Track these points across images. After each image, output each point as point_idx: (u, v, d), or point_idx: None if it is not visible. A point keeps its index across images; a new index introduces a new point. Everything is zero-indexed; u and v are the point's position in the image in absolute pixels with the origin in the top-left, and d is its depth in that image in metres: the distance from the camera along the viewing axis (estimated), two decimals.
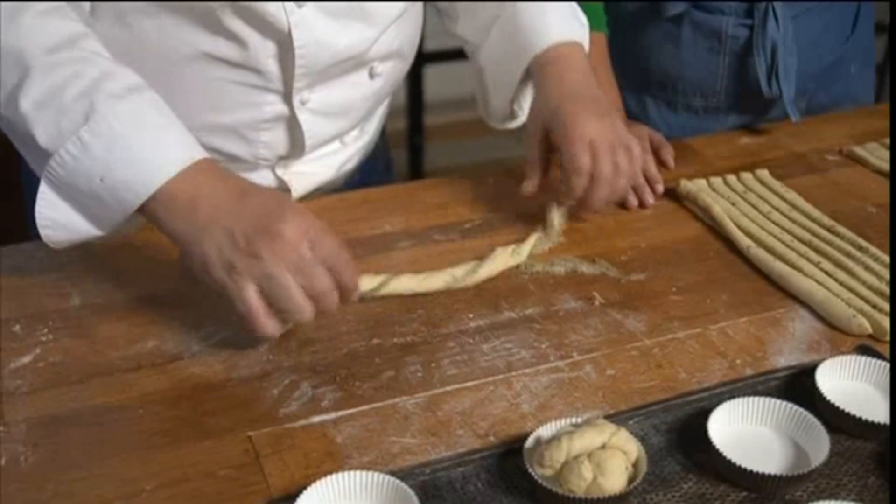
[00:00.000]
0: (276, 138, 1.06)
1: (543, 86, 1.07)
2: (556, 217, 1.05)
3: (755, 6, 1.27)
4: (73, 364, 0.86)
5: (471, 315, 0.94)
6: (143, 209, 0.85)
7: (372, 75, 1.09)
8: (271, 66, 1.00)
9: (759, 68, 1.28)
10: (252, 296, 0.79)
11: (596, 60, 1.27)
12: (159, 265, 1.00)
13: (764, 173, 1.18)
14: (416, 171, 2.89)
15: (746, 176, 1.18)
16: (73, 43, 0.87)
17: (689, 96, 1.35)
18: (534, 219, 1.08)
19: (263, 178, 1.10)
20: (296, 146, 1.08)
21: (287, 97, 1.03)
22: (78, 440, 0.78)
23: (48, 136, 0.84)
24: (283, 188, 1.12)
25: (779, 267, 0.99)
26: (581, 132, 1.00)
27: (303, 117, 1.05)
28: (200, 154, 0.86)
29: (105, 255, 1.02)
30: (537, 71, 1.09)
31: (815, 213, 1.10)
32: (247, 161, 1.08)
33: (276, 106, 1.03)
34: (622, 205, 1.13)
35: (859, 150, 1.26)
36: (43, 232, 0.88)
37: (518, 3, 1.12)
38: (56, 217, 0.87)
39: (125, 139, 0.83)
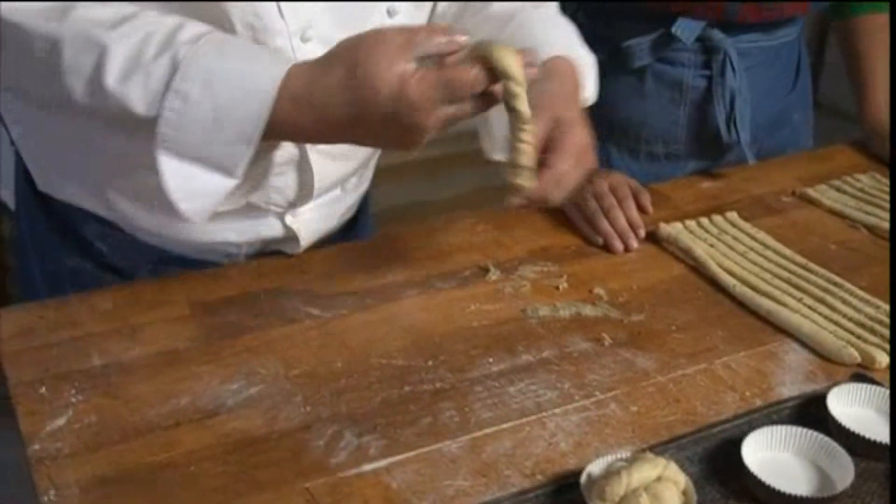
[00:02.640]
0: (287, 183, 1.09)
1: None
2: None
3: (713, 58, 1.36)
4: (110, 424, 0.87)
5: (490, 360, 0.98)
6: (268, 128, 0.84)
7: None
8: None
9: (719, 116, 1.36)
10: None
11: None
12: (174, 322, 1.01)
13: (733, 216, 1.26)
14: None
15: (718, 219, 1.25)
16: (134, 14, 0.87)
17: (651, 144, 1.43)
18: (522, 262, 1.14)
19: (272, 227, 1.12)
20: (305, 190, 1.10)
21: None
22: (135, 501, 0.78)
23: (145, 103, 0.83)
24: (292, 237, 1.14)
25: (766, 303, 1.06)
26: (550, 108, 0.96)
27: (313, 158, 1.07)
28: (288, 64, 0.86)
29: (117, 313, 1.02)
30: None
31: (787, 252, 1.18)
32: (258, 207, 1.09)
33: (289, 149, 1.06)
34: (608, 248, 1.19)
35: (811, 192, 1.35)
36: (182, 206, 0.87)
37: (524, 17, 1.12)
38: (188, 185, 0.86)
39: (218, 70, 0.83)
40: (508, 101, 0.87)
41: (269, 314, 1.03)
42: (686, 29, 1.33)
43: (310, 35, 0.97)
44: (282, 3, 0.94)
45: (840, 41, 1.55)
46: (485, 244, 1.20)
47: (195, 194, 0.87)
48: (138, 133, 0.87)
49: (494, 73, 0.85)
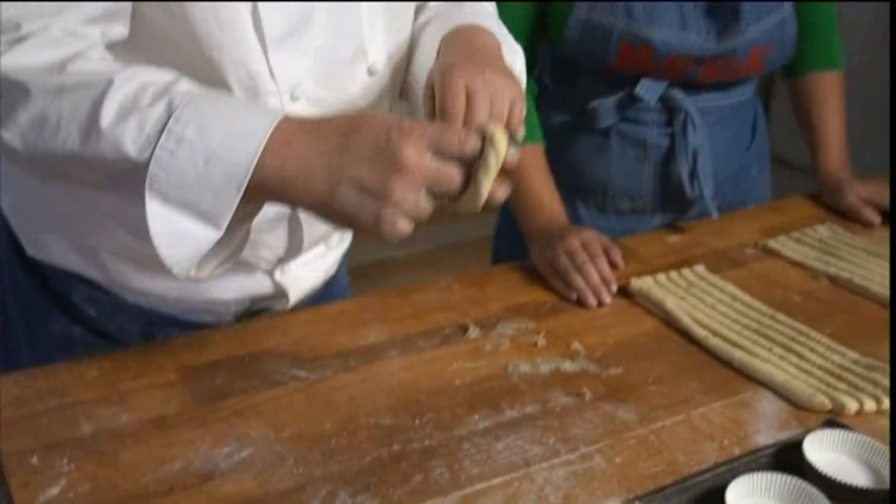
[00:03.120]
0: (277, 239, 1.11)
1: (441, 52, 1.02)
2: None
3: (675, 117, 1.41)
4: (105, 492, 0.87)
5: (476, 416, 1.00)
6: (256, 174, 0.84)
7: None
8: None
9: (682, 172, 1.42)
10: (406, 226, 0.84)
11: (535, 168, 1.39)
12: (161, 387, 1.02)
13: (701, 269, 1.31)
14: None
15: (686, 272, 1.30)
16: (131, 68, 0.88)
17: (618, 200, 1.48)
18: (500, 319, 1.17)
19: (262, 284, 1.15)
20: (294, 245, 1.13)
21: None
22: None
23: (137, 145, 0.84)
24: (281, 294, 1.16)
25: (738, 354, 1.10)
26: (456, 77, 0.93)
27: (303, 214, 1.09)
28: (282, 113, 0.88)
29: (105, 380, 1.03)
30: (441, 47, 1.03)
31: (755, 303, 1.22)
32: (248, 263, 1.12)
33: (280, 206, 1.08)
34: (582, 304, 1.22)
35: (772, 244, 1.40)
36: (164, 253, 0.86)
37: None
38: (172, 230, 0.86)
39: (213, 115, 0.84)
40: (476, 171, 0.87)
41: (255, 377, 1.05)
42: (649, 90, 1.38)
43: (298, 94, 1.01)
44: (272, 65, 0.98)
45: (792, 97, 1.61)
46: (462, 303, 1.23)
47: (179, 241, 0.87)
48: (126, 183, 0.88)
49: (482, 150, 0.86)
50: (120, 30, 0.93)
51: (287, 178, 0.86)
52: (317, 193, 0.85)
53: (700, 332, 1.15)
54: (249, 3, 0.96)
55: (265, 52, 0.97)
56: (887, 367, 1.07)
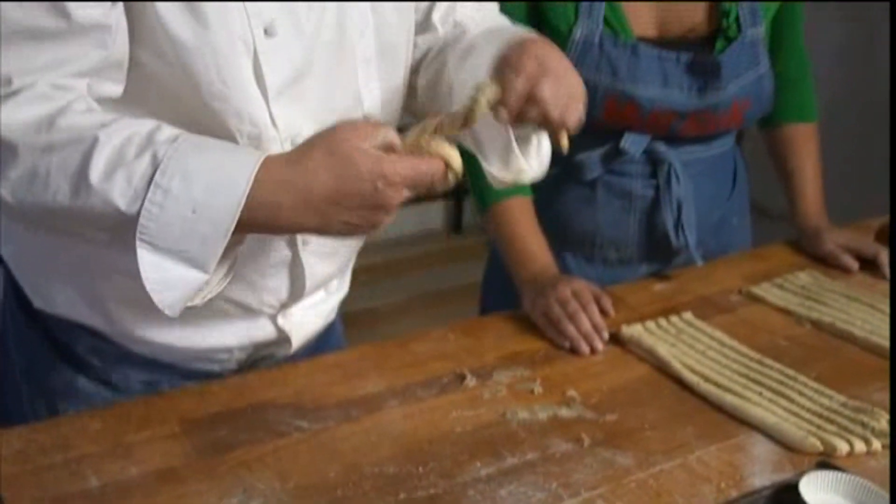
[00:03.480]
0: (280, 283, 1.14)
1: (500, 61, 1.04)
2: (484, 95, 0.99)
3: (658, 169, 1.45)
4: None
5: (478, 464, 1.02)
6: (243, 217, 0.89)
7: None
8: None
9: (667, 222, 1.46)
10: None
11: (524, 220, 1.42)
12: (166, 440, 1.04)
13: (689, 316, 1.34)
14: None
15: (675, 319, 1.33)
16: (114, 119, 0.91)
17: (605, 250, 1.52)
18: (496, 367, 1.19)
19: (265, 329, 1.18)
20: (296, 289, 1.16)
21: (291, 241, 1.11)
22: None
23: (126, 199, 0.88)
24: (283, 339, 1.19)
25: (729, 399, 1.13)
26: (530, 48, 1.01)
27: (305, 258, 1.13)
28: (263, 154, 0.92)
29: (109, 432, 1.04)
30: (498, 59, 1.04)
31: (743, 348, 1.26)
32: (251, 309, 1.15)
33: (282, 250, 1.12)
34: (575, 351, 1.25)
35: (756, 290, 1.44)
36: (156, 298, 0.91)
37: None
38: (162, 278, 0.90)
39: (197, 166, 0.89)
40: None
41: (259, 429, 1.06)
42: (634, 143, 1.43)
43: (298, 141, 1.04)
44: (274, 115, 1.01)
45: (769, 147, 1.66)
46: (458, 352, 1.25)
47: (170, 286, 0.91)
48: (117, 234, 0.91)
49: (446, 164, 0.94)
50: (111, 86, 0.97)
51: (275, 221, 0.91)
52: (307, 230, 0.94)
53: (692, 378, 1.18)
54: (251, 55, 0.99)
55: (267, 102, 1.01)
56: (874, 409, 1.11)
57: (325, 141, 0.92)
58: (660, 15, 1.41)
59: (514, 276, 1.40)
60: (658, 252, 1.51)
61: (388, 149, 0.93)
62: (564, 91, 1.00)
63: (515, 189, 1.42)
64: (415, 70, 1.20)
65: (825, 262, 1.56)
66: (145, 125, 0.92)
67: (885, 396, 1.17)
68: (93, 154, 0.88)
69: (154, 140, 0.90)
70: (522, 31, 1.10)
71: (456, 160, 0.93)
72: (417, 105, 1.22)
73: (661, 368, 1.22)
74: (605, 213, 1.49)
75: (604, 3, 1.38)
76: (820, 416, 1.10)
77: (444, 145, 0.95)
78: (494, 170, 1.09)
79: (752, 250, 1.64)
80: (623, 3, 1.39)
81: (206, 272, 0.91)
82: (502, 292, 1.58)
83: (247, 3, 0.98)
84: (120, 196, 0.88)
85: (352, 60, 1.08)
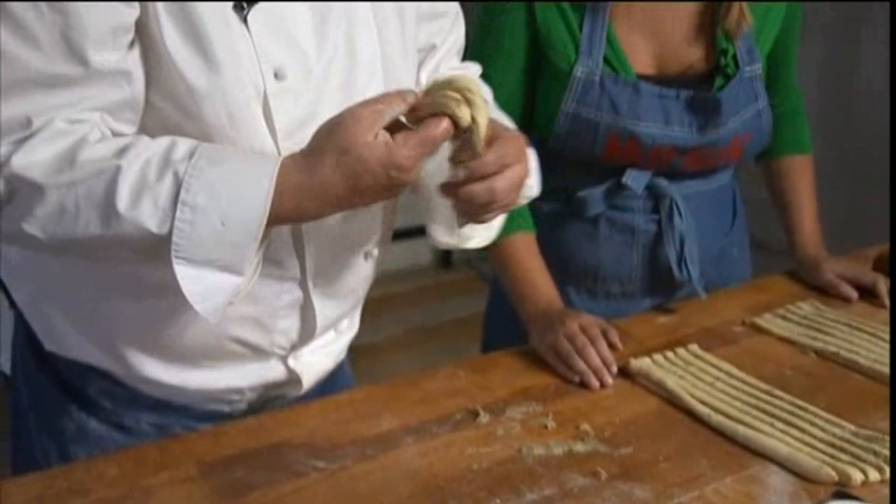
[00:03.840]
0: (291, 324, 1.15)
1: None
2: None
3: (661, 203, 1.47)
4: None
5: (498, 501, 1.02)
6: (274, 211, 0.94)
7: (367, 257, 1.19)
8: (288, 255, 1.09)
9: (670, 256, 1.47)
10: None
11: (529, 256, 1.43)
12: (183, 483, 1.03)
13: (695, 348, 1.35)
14: None
15: (681, 351, 1.34)
16: (130, 144, 0.95)
17: (608, 284, 1.53)
18: (508, 403, 1.20)
19: (276, 370, 1.18)
20: (307, 330, 1.17)
21: (303, 283, 1.12)
22: None
23: (156, 220, 0.92)
24: (294, 380, 1.20)
25: (742, 430, 1.14)
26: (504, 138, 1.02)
27: (316, 300, 1.14)
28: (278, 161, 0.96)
29: (125, 477, 1.04)
30: None
31: (751, 380, 1.27)
32: (263, 350, 1.15)
33: (294, 293, 1.13)
34: (585, 385, 1.26)
35: (759, 321, 1.46)
36: (199, 308, 0.95)
37: None
38: (202, 288, 0.94)
39: (217, 178, 0.92)
40: (467, 136, 0.98)
41: (276, 469, 1.06)
42: (636, 179, 1.44)
43: None
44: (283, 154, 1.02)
45: (766, 180, 1.69)
46: (468, 388, 1.26)
47: (211, 294, 0.96)
48: (152, 254, 0.94)
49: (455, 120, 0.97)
50: (124, 127, 0.99)
51: (303, 211, 0.97)
52: (331, 214, 1.00)
53: (703, 410, 1.19)
54: (261, 98, 1.00)
55: (276, 144, 1.03)
56: (885, 437, 1.12)
57: (333, 141, 0.95)
58: (658, 53, 1.44)
59: (521, 312, 1.41)
60: (661, 285, 1.53)
61: (395, 126, 0.96)
62: (514, 184, 1.03)
63: (519, 225, 1.43)
64: None
65: (825, 292, 1.58)
66: (160, 144, 0.95)
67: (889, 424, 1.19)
68: (117, 183, 0.92)
69: (171, 160, 0.93)
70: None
71: (464, 118, 0.96)
72: None
73: (672, 401, 1.23)
74: (607, 248, 1.51)
75: (604, 43, 1.40)
76: (832, 445, 1.11)
77: (451, 102, 0.97)
78: (438, 233, 1.15)
79: (753, 282, 1.66)
80: (622, 42, 1.42)
81: (241, 274, 0.96)
82: (505, 327, 1.59)
83: (257, 48, 0.99)
84: (149, 219, 0.92)
85: (358, 100, 1.10)
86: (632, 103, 1.40)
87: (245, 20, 0.99)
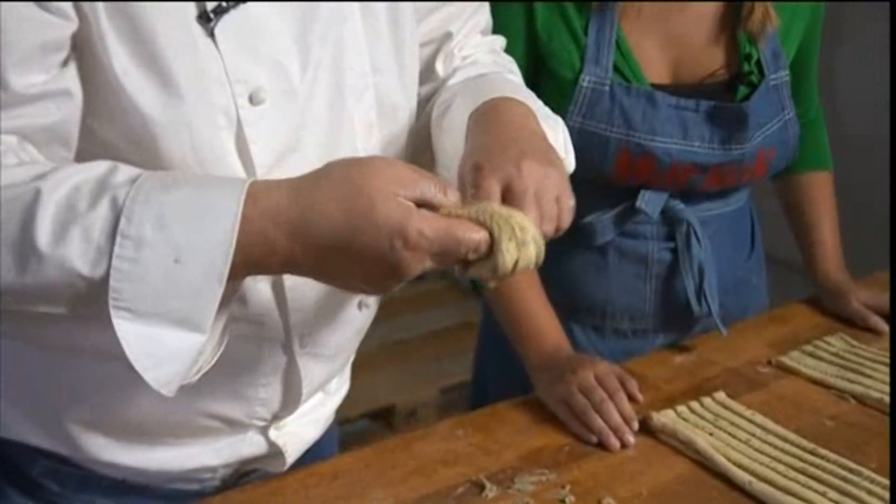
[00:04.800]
0: (273, 393, 0.98)
1: (471, 133, 0.90)
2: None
3: (676, 229, 1.32)
4: None
5: None
6: (237, 256, 0.73)
7: (361, 307, 1.02)
8: (268, 312, 0.92)
9: (688, 288, 1.32)
10: None
11: (530, 291, 1.27)
12: None
13: (722, 396, 1.20)
14: None
15: (708, 402, 1.19)
16: (54, 168, 0.75)
17: (617, 320, 1.37)
18: (516, 471, 1.04)
19: (255, 444, 1.02)
20: (291, 398, 1.00)
21: (287, 345, 0.95)
22: None
23: (88, 260, 0.71)
24: (276, 453, 1.03)
25: (790, 502, 0.99)
26: (488, 176, 0.81)
27: (302, 363, 0.97)
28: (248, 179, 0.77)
29: None
30: (471, 125, 0.90)
31: (792, 436, 1.12)
32: (240, 423, 0.98)
33: (277, 357, 0.95)
34: (602, 446, 1.10)
35: (787, 361, 1.31)
36: (148, 377, 0.73)
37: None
38: (151, 350, 0.73)
39: (168, 204, 0.72)
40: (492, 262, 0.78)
41: None
42: (651, 202, 1.29)
43: None
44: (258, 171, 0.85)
45: (782, 198, 1.54)
46: (470, 453, 1.09)
47: (162, 359, 0.74)
48: (85, 306, 0.75)
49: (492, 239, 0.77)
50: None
51: (268, 261, 0.75)
52: (304, 274, 0.78)
53: (743, 477, 1.03)
54: (233, 129, 0.83)
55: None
56: None
57: (344, 175, 0.75)
58: (674, 60, 1.29)
59: (524, 358, 1.25)
60: (676, 321, 1.37)
61: (426, 206, 0.76)
62: (549, 202, 0.82)
63: None
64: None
65: (851, 323, 1.43)
66: (95, 168, 0.75)
67: None
68: (36, 213, 0.71)
69: (109, 184, 0.73)
70: (493, 97, 0.92)
71: (508, 254, 0.76)
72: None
73: (703, 463, 1.07)
74: (617, 280, 1.35)
75: (613, 48, 1.24)
76: None
77: (500, 226, 0.77)
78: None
79: (772, 311, 1.50)
80: (633, 47, 1.26)
81: (202, 332, 0.74)
82: (500, 365, 1.44)
83: (228, 68, 0.82)
84: (79, 258, 0.72)
85: (350, 128, 0.93)
86: (647, 116, 1.24)
87: (212, 34, 0.81)
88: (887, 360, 1.30)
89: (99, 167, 0.76)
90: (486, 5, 1.10)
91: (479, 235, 0.76)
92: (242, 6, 0.82)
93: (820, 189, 1.50)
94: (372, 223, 0.73)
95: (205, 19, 0.81)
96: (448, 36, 1.06)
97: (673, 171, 1.27)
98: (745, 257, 1.46)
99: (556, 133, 0.93)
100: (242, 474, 1.06)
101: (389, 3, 0.95)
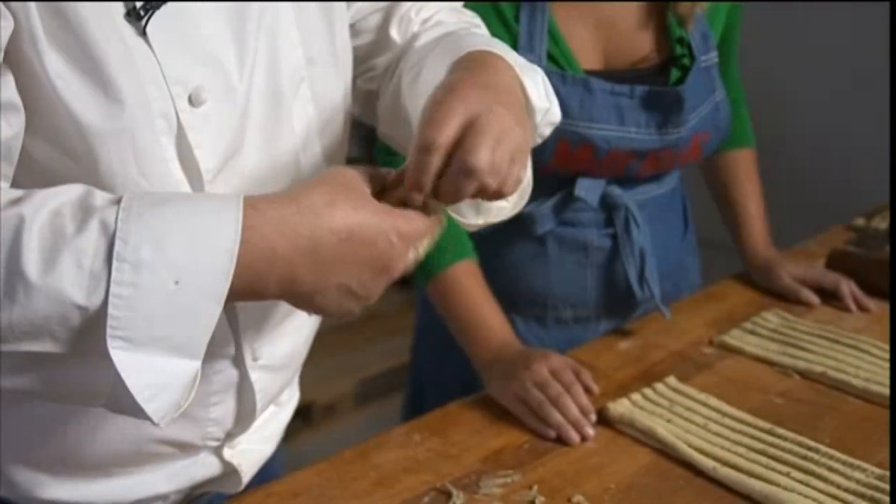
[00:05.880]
0: (226, 411, 0.93)
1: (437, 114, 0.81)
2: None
3: (615, 215, 1.30)
4: None
5: None
6: (236, 279, 0.69)
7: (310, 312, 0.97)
8: (219, 325, 0.86)
9: (630, 273, 1.31)
10: None
11: (473, 286, 1.25)
12: None
13: (673, 381, 1.20)
14: None
15: (660, 387, 1.18)
16: (27, 193, 0.69)
17: (559, 310, 1.36)
18: (480, 475, 1.01)
19: (209, 466, 0.96)
20: (245, 415, 0.95)
21: (238, 359, 0.90)
22: None
23: (83, 287, 0.66)
24: (231, 472, 0.98)
25: (758, 486, 0.99)
26: (454, 100, 0.76)
27: (255, 377, 0.92)
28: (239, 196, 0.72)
29: None
30: (446, 76, 0.83)
31: (747, 417, 1.12)
32: (192, 445, 0.92)
33: (227, 372, 0.90)
34: (562, 440, 1.08)
35: (729, 340, 1.32)
36: (150, 409, 0.68)
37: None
38: (150, 380, 0.68)
39: (165, 224, 0.68)
40: None
41: None
42: (589, 190, 1.27)
43: None
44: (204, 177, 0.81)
45: (708, 177, 1.55)
46: (430, 459, 1.06)
47: (162, 388, 0.69)
48: (76, 340, 0.69)
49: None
50: None
51: (266, 280, 0.72)
52: (298, 293, 0.74)
53: (707, 463, 1.03)
54: (173, 134, 0.78)
55: (203, 187, 0.80)
56: None
57: (335, 178, 0.75)
58: (604, 45, 1.27)
59: (472, 356, 1.22)
60: (617, 307, 1.36)
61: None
62: (503, 155, 0.76)
63: (459, 253, 1.24)
64: (376, 95, 1.00)
65: (782, 297, 1.45)
66: (70, 191, 0.70)
67: None
68: (21, 240, 0.65)
69: (91, 206, 0.68)
70: (470, 50, 0.86)
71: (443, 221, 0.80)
72: (382, 133, 1.02)
73: (665, 451, 1.07)
74: (557, 270, 1.33)
75: (546, 36, 1.22)
76: (862, 496, 0.97)
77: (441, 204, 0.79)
78: (468, 218, 0.91)
79: (705, 290, 1.51)
80: (566, 34, 1.24)
81: (197, 357, 0.70)
82: (437, 363, 1.42)
83: (164, 68, 0.76)
84: (73, 286, 0.66)
85: (289, 124, 0.88)
86: (584, 104, 1.22)
87: (144, 32, 0.75)
88: (824, 334, 1.32)
89: (73, 189, 0.70)
90: None
91: (433, 225, 0.78)
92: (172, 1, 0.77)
93: (745, 166, 1.52)
94: (374, 222, 0.73)
95: (135, 17, 0.75)
96: (395, 3, 1.01)
97: (610, 159, 1.25)
98: (681, 238, 1.46)
99: (536, 82, 0.88)
100: (195, 498, 1.00)
101: None
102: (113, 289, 0.66)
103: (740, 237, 1.51)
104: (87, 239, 0.66)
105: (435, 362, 1.44)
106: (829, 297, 1.45)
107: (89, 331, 0.67)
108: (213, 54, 0.80)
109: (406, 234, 0.74)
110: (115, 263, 0.66)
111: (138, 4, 0.74)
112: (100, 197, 0.70)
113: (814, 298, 1.43)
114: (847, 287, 1.43)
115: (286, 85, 0.87)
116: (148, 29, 0.75)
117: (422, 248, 0.78)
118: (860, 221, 1.74)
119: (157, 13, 0.75)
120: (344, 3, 0.94)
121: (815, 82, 2.69)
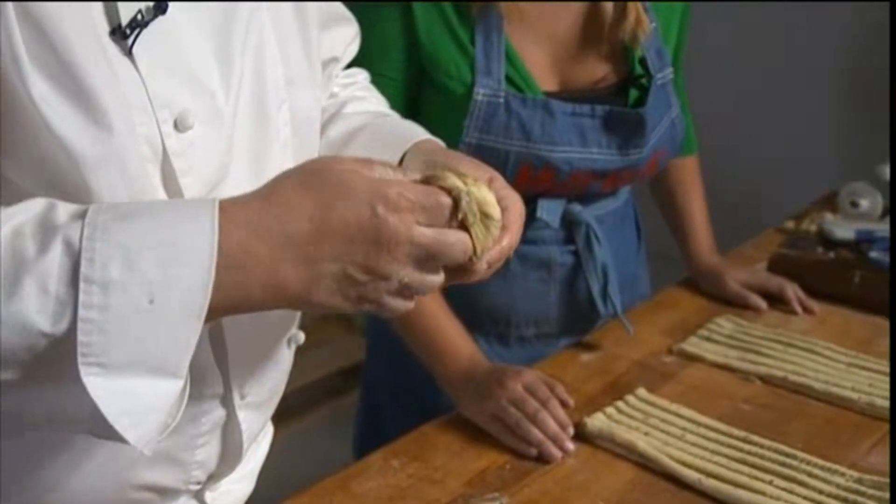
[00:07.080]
0: (211, 453, 0.88)
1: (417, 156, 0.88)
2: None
3: (575, 232, 1.30)
4: None
5: None
6: (216, 290, 0.64)
7: (290, 343, 0.94)
8: (208, 364, 0.82)
9: (593, 289, 1.31)
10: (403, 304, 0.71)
11: (434, 305, 1.23)
12: None
13: (643, 393, 1.21)
14: None
15: (632, 399, 1.19)
16: None
17: (522, 328, 1.35)
18: (467, 499, 0.99)
19: None
20: (230, 456, 0.90)
21: (226, 398, 0.86)
22: None
23: (48, 314, 0.61)
24: None
25: (745, 496, 1.01)
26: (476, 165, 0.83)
27: (242, 415, 0.87)
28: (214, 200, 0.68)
29: None
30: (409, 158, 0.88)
31: (721, 426, 1.14)
32: (174, 490, 0.87)
33: (216, 412, 0.86)
34: (543, 458, 1.08)
35: (688, 348, 1.34)
36: (131, 437, 0.64)
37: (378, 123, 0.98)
38: (129, 406, 0.63)
39: (132, 236, 0.64)
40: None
41: None
42: (550, 210, 1.27)
43: None
44: None
45: (653, 186, 1.56)
46: (413, 486, 1.04)
47: (142, 414, 0.65)
48: (43, 369, 0.64)
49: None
50: None
51: (249, 284, 0.67)
52: (290, 295, 0.68)
53: (691, 476, 1.04)
54: (158, 161, 0.73)
55: None
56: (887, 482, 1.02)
57: (308, 167, 0.71)
58: (562, 66, 1.27)
59: (440, 378, 1.20)
60: (579, 323, 1.36)
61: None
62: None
63: None
64: None
65: (730, 303, 1.48)
66: (29, 208, 0.65)
67: (880, 459, 1.10)
68: None
69: (53, 223, 0.64)
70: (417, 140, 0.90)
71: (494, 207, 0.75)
72: None
73: (646, 465, 1.07)
74: (521, 288, 1.32)
75: (503, 58, 1.21)
76: (845, 500, 1.00)
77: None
78: None
79: (655, 298, 1.52)
80: (522, 55, 1.23)
81: (179, 377, 0.66)
82: (392, 380, 1.40)
83: (150, 91, 0.72)
84: (37, 313, 0.62)
85: (274, 147, 0.84)
86: (545, 126, 1.21)
87: (130, 52, 0.71)
88: (778, 338, 1.36)
89: (33, 205, 0.65)
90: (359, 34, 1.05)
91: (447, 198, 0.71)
92: (160, 19, 0.73)
93: (689, 173, 1.54)
94: (346, 196, 0.67)
95: (120, 36, 0.71)
96: (334, 61, 1.00)
97: (573, 179, 1.25)
98: (636, 250, 1.47)
99: None
100: None
101: (296, 3, 0.87)
102: (81, 313, 0.62)
103: (686, 244, 1.54)
104: (51, 260, 0.62)
105: (389, 378, 1.43)
106: (775, 300, 1.48)
107: (60, 359, 0.63)
108: (196, 75, 0.76)
109: (394, 201, 0.67)
110: (81, 285, 0.62)
111: (123, 23, 0.70)
112: (63, 211, 0.65)
113: (761, 304, 1.46)
114: (792, 290, 1.47)
115: (271, 106, 0.84)
116: (134, 49, 0.71)
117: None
118: (790, 224, 1.79)
119: (144, 32, 0.71)
120: (317, 25, 0.92)
121: (720, 87, 2.74)
